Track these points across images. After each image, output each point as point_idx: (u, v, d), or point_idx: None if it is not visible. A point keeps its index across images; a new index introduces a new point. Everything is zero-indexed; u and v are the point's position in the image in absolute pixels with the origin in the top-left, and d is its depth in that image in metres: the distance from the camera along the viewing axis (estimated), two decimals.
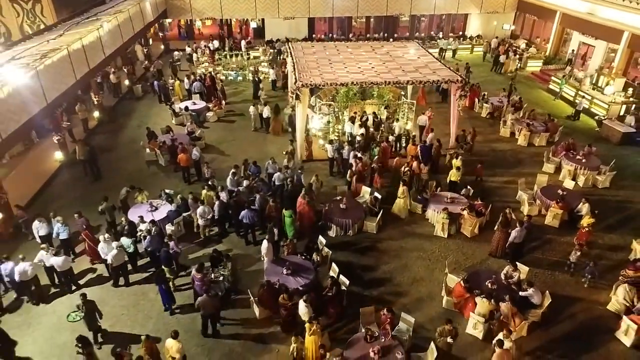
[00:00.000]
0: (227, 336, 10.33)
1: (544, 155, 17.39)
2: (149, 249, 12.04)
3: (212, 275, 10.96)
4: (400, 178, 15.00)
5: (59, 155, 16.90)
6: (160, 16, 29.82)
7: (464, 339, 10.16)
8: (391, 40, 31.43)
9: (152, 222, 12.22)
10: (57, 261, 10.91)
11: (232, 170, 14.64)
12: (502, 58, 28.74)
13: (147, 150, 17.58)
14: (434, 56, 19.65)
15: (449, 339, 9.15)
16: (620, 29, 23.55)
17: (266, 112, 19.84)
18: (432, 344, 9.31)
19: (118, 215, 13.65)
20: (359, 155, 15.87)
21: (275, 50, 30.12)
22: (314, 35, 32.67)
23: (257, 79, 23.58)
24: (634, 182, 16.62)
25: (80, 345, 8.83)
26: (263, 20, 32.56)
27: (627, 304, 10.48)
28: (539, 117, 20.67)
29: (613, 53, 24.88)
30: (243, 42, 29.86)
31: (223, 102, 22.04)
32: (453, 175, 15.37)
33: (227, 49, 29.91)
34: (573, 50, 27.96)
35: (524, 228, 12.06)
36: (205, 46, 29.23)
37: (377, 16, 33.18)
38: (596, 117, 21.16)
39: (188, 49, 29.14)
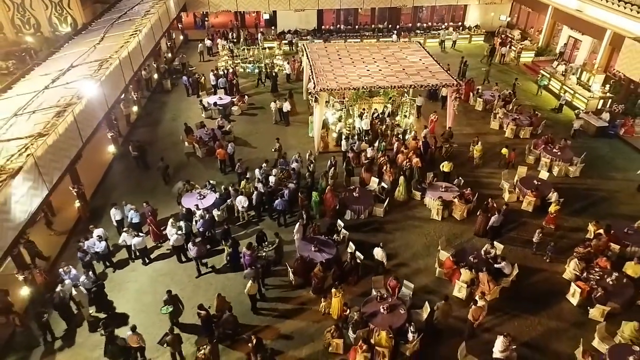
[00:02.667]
0: (270, 298, 13.53)
1: (526, 148, 20.31)
2: (200, 230, 15.15)
3: (260, 252, 14.07)
4: (402, 171, 17.97)
5: (112, 149, 19.81)
6: (181, 10, 32.12)
7: (452, 300, 13.33)
8: (394, 32, 33.80)
9: (205, 209, 15.30)
10: (137, 241, 14.05)
11: (263, 164, 17.66)
12: (504, 50, 31.13)
13: (186, 143, 20.45)
14: (433, 58, 22.22)
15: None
16: (603, 27, 26.01)
17: (286, 107, 22.61)
18: (427, 303, 12.54)
19: (171, 174, 18.67)
20: (354, 147, 19.19)
21: (287, 42, 32.61)
22: (322, 27, 35.00)
23: (274, 74, 26.19)
24: (601, 172, 19.52)
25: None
26: (275, 11, 34.75)
27: (577, 274, 13.63)
28: (525, 111, 23.40)
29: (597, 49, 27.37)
30: (260, 36, 32.09)
31: (246, 96, 24.71)
32: (446, 167, 18.37)
33: (242, 41, 32.28)
34: (565, 44, 30.34)
35: (501, 215, 15.12)
36: (223, 42, 31.55)
37: (381, 7, 35.34)
38: (575, 111, 23.89)
39: (208, 42, 31.53)
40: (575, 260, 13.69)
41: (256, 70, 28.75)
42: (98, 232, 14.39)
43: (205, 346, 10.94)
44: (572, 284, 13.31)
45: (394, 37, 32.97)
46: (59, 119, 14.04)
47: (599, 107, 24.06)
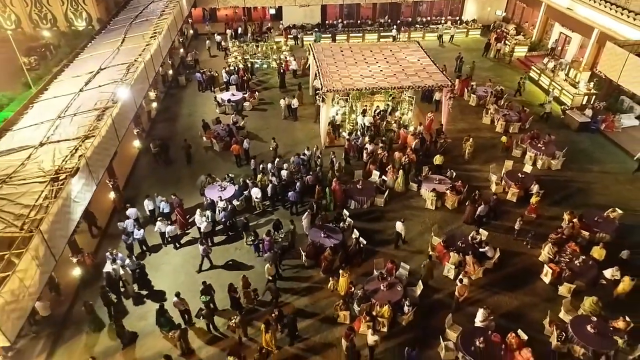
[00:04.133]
0: (286, 277, 15.73)
1: (513, 142, 22.29)
2: (222, 220, 17.26)
3: (277, 238, 16.23)
4: (401, 165, 20.01)
5: (137, 144, 21.79)
6: (192, 6, 33.71)
7: (441, 279, 15.56)
8: (395, 27, 35.41)
9: (228, 200, 17.39)
10: (169, 229, 16.22)
11: (277, 160, 19.72)
12: (499, 45, 32.79)
13: (204, 138, 22.42)
14: (430, 58, 23.99)
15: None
16: (591, 26, 27.73)
17: (294, 103, 24.49)
18: (420, 282, 14.74)
19: (193, 153, 21.57)
20: (357, 142, 21.34)
21: (293, 37, 34.31)
22: (326, 21, 36.64)
23: (282, 70, 27.99)
24: (581, 164, 21.53)
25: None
26: (281, 6, 36.30)
27: (550, 257, 15.80)
28: (515, 107, 25.28)
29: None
30: (273, 32, 33.66)
31: (256, 92, 26.57)
32: (438, 160, 20.40)
33: (249, 36, 33.93)
34: (556, 40, 32.05)
35: (486, 206, 17.22)
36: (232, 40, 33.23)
37: (382, 2, 36.84)
38: (562, 107, 25.79)
39: (218, 37, 33.17)
40: (550, 245, 15.85)
41: (264, 66, 30.40)
42: (131, 212, 16.77)
43: (235, 317, 13.17)
44: (546, 265, 15.50)
45: (394, 32, 34.57)
46: (100, 122, 16.03)
47: (584, 103, 25.96)
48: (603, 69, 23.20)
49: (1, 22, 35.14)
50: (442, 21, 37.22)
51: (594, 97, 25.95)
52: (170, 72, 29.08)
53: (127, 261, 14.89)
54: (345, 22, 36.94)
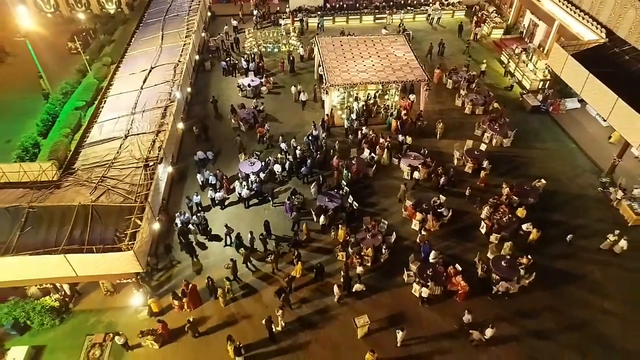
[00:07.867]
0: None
1: (476, 124, 28.29)
2: (255, 188, 23.67)
3: (294, 202, 22.78)
4: (385, 146, 26.19)
5: (180, 126, 27.76)
6: None
7: (410, 230, 22.22)
8: (387, 11, 40.20)
9: (257, 174, 23.78)
10: (218, 195, 22.72)
11: (292, 140, 25.84)
12: (477, 30, 37.76)
13: (232, 121, 28.38)
14: (414, 53, 29.46)
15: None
16: (554, 18, 32.82)
17: (304, 97, 30.07)
18: (394, 233, 21.43)
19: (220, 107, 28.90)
20: (353, 125, 27.31)
21: (299, 20, 39.20)
22: (327, 4, 41.30)
23: (292, 57, 33.37)
24: (527, 142, 27.60)
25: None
26: None
27: (487, 215, 22.37)
28: (482, 91, 30.97)
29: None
30: (282, 22, 38.73)
31: (271, 78, 32.16)
32: (408, 139, 26.48)
33: (260, 18, 38.87)
34: (524, 25, 37.07)
35: (447, 178, 23.63)
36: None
37: None
38: (520, 92, 31.50)
39: (234, 22, 38.05)
40: (487, 207, 22.41)
41: (275, 50, 35.60)
42: (200, 154, 23.85)
43: (270, 255, 19.95)
44: (483, 221, 22.13)
45: (388, 19, 39.41)
46: (166, 118, 22.07)
47: (539, 87, 31.63)
48: (551, 64, 28.80)
49: (42, 6, 39.84)
50: (431, 3, 41.81)
51: (548, 82, 31.59)
52: (197, 57, 34.33)
53: (195, 218, 21.53)
54: (345, 4, 41.52)
